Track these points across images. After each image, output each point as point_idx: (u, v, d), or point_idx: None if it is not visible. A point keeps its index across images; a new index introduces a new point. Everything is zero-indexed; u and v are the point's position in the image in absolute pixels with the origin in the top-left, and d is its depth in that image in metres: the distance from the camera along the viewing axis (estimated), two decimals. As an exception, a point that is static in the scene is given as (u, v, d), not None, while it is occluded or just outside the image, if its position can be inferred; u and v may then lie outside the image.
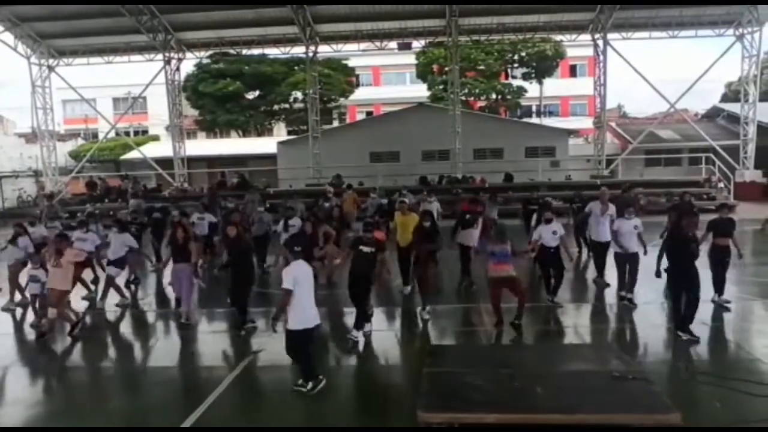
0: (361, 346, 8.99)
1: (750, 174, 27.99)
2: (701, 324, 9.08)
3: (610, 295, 11.68)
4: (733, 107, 33.94)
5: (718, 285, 10.55)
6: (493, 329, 9.45)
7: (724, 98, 45.74)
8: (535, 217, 13.49)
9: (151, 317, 11.63)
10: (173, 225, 11.88)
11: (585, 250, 14.85)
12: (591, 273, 13.28)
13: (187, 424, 6.57)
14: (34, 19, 28.27)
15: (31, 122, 32.79)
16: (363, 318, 9.28)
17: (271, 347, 9.08)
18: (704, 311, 10.53)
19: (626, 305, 10.70)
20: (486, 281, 9.84)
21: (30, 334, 10.39)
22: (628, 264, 10.88)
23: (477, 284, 12.00)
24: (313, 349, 7.40)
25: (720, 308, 10.35)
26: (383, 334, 9.72)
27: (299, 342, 7.11)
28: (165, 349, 9.62)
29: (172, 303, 11.66)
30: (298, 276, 6.99)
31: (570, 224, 15.71)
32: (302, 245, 9.71)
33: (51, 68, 31.02)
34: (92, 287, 12.76)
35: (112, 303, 11.94)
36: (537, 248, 10.80)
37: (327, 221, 13.89)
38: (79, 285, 12.05)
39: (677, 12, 27.67)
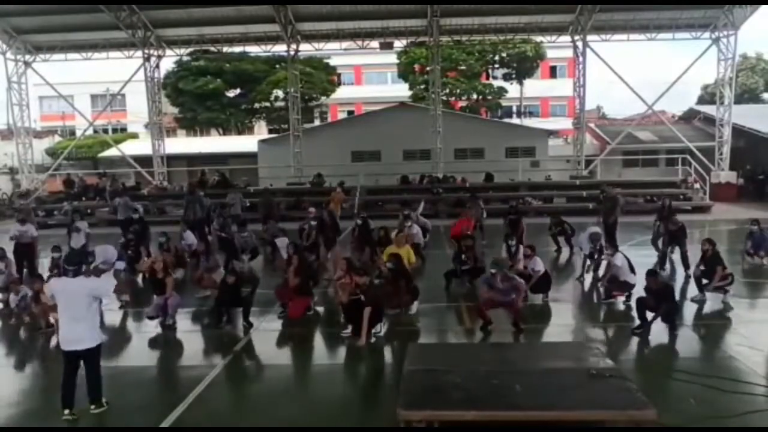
0: (343, 347, 9.01)
1: (725, 175, 28.46)
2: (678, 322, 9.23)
3: (589, 294, 11.89)
4: (709, 109, 34.42)
5: None
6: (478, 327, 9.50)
7: (701, 100, 46.40)
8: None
9: (131, 316, 11.49)
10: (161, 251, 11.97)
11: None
12: (570, 272, 13.59)
13: (166, 423, 6.52)
14: (10, 14, 27.75)
15: (7, 119, 32.35)
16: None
17: (252, 346, 9.06)
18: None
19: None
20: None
21: None
22: None
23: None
24: (92, 373, 6.76)
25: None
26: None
27: (65, 361, 6.68)
28: (144, 348, 9.53)
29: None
30: (55, 291, 6.71)
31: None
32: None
33: (27, 64, 30.54)
34: None
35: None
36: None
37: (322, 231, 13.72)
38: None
39: (655, 15, 28.16)
